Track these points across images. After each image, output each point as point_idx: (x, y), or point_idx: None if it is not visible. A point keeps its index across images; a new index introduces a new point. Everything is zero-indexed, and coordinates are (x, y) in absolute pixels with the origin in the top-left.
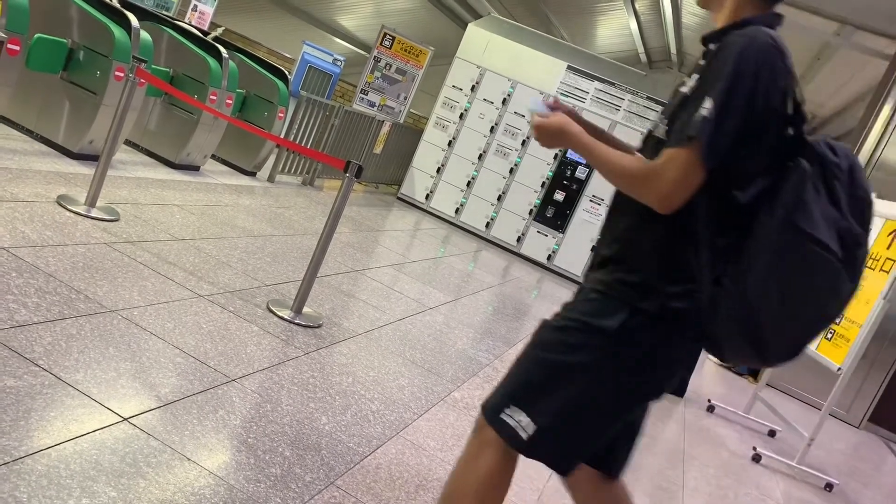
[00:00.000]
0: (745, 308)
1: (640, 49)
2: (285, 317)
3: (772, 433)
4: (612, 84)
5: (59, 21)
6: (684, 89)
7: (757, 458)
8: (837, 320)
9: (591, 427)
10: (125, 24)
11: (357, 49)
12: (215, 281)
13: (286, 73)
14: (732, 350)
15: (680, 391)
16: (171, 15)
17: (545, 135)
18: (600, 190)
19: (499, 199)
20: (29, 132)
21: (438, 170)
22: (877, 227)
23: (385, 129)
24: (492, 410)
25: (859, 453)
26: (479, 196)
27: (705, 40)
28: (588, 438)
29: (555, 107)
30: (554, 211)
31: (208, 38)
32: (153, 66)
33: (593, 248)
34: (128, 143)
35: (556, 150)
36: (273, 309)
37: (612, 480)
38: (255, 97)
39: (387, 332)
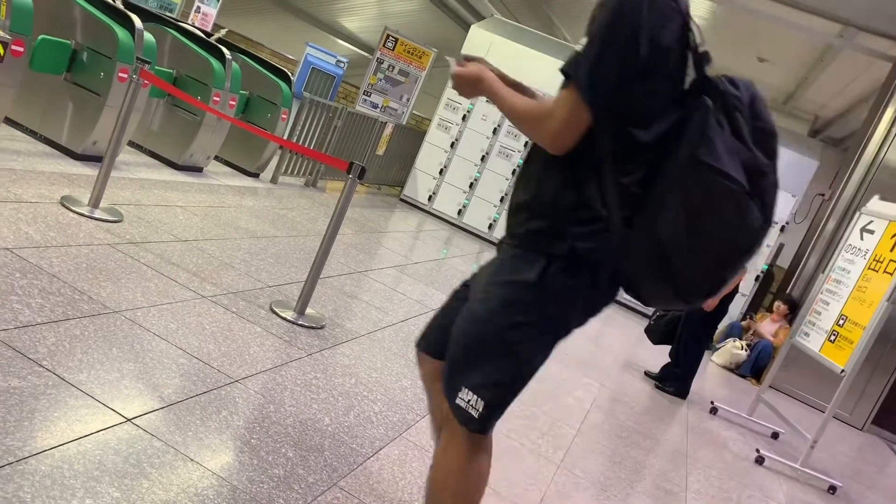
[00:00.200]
0: (656, 245)
1: None
2: (288, 318)
3: (775, 435)
4: None
5: (62, 22)
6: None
7: (760, 461)
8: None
9: (528, 377)
10: (129, 26)
11: (360, 50)
12: (218, 282)
13: (289, 74)
14: (650, 290)
15: (682, 393)
16: (174, 16)
17: (463, 83)
18: None
19: (501, 200)
20: (33, 133)
21: (441, 171)
22: (881, 229)
23: (388, 130)
24: (450, 400)
25: (863, 456)
26: (481, 197)
27: None
28: (523, 386)
29: (472, 59)
30: None
31: (211, 40)
32: (156, 68)
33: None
34: (131, 144)
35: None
36: (276, 310)
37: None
38: (258, 98)
39: (389, 333)
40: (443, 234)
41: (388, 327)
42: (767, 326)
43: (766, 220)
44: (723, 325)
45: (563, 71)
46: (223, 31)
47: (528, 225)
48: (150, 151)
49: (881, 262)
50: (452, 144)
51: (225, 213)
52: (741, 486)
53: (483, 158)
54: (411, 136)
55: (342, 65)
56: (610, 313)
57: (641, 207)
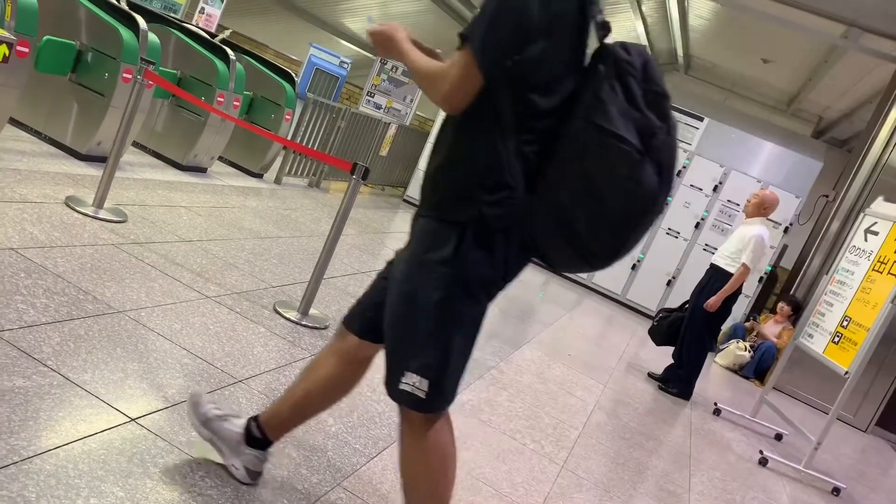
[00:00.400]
0: (559, 210)
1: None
2: (292, 318)
3: (778, 437)
4: None
5: (67, 23)
6: None
7: (763, 462)
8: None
9: (468, 350)
10: (133, 27)
11: (363, 51)
12: (222, 282)
13: (293, 75)
14: (557, 256)
15: (686, 394)
16: (178, 17)
17: (378, 41)
18: None
19: None
20: (37, 134)
21: None
22: (885, 231)
23: (391, 131)
24: (391, 388)
25: (866, 457)
26: None
27: None
28: (466, 362)
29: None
30: None
31: (216, 41)
32: (161, 68)
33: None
34: (135, 144)
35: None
36: (280, 310)
37: (372, 347)
38: (262, 99)
39: None
40: None
41: None
42: (771, 328)
43: (664, 181)
44: (726, 327)
45: (460, 34)
46: (227, 32)
47: (438, 192)
48: (155, 152)
49: (885, 264)
50: None
51: (229, 214)
52: (744, 488)
53: None
54: (415, 137)
55: (346, 65)
56: (612, 314)
57: (543, 173)
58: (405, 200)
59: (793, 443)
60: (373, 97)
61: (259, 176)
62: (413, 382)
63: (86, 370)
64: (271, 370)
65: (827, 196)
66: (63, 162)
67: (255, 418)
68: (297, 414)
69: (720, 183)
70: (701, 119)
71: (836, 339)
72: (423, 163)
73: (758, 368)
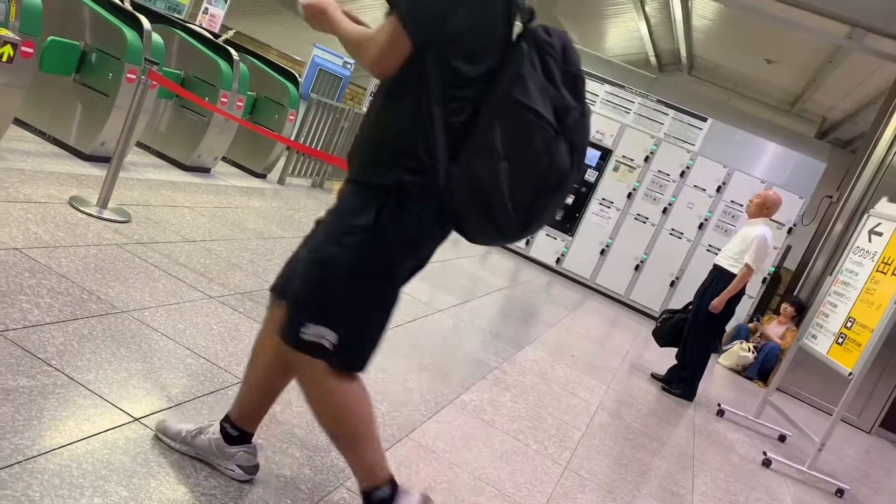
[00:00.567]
0: (476, 181)
1: (650, 52)
2: None
3: (782, 438)
4: (622, 87)
5: (71, 24)
6: None
7: (767, 463)
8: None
9: (382, 316)
10: (137, 27)
11: None
12: (226, 282)
13: (296, 75)
14: (474, 226)
15: (689, 395)
16: (182, 17)
17: (310, 13)
18: (610, 193)
19: None
20: (42, 134)
21: None
22: (889, 231)
23: None
24: (291, 337)
25: (870, 459)
26: None
27: None
28: (382, 327)
29: None
30: (563, 214)
31: (219, 41)
32: (164, 69)
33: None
34: (139, 144)
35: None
36: None
37: None
38: (266, 100)
39: (396, 334)
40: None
41: (395, 328)
42: (774, 328)
43: (575, 161)
44: (729, 328)
45: (388, 1)
46: (231, 33)
47: (363, 157)
48: (158, 152)
49: (889, 265)
50: None
51: (232, 214)
52: (748, 489)
53: None
54: None
55: (349, 66)
56: (616, 315)
57: (463, 145)
58: None
59: (796, 444)
60: None
61: (262, 176)
62: (319, 333)
63: (90, 370)
64: None
65: (831, 197)
66: (67, 162)
67: (226, 419)
68: (263, 397)
69: (723, 183)
70: (704, 119)
71: (840, 341)
72: None
73: (761, 369)
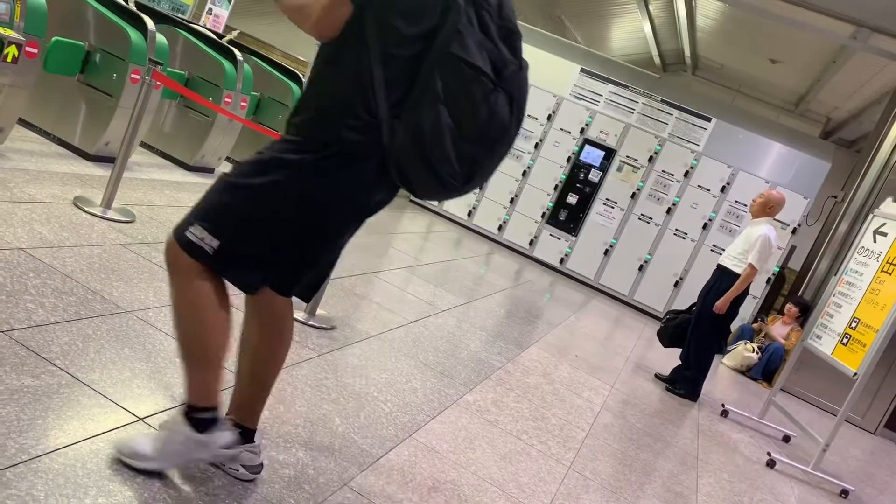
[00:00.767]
0: (419, 133)
1: (654, 52)
2: (299, 318)
3: (786, 439)
4: (626, 87)
5: (76, 24)
6: None
7: (771, 464)
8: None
9: (272, 246)
10: (141, 27)
11: None
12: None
13: (300, 76)
14: (418, 182)
15: (693, 395)
16: (186, 18)
17: None
18: (614, 193)
19: (511, 201)
20: (46, 134)
21: None
22: (894, 231)
23: None
24: (179, 230)
25: (875, 459)
26: (491, 199)
27: None
28: (269, 258)
29: None
30: (567, 214)
31: (223, 41)
32: (168, 69)
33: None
34: (143, 145)
35: (569, 154)
36: None
37: (286, 303)
38: (270, 100)
39: (399, 334)
40: (452, 235)
41: (399, 328)
42: (779, 329)
43: (514, 115)
44: (734, 328)
45: None
46: (235, 33)
47: (302, 114)
48: (162, 152)
49: (894, 265)
50: None
51: None
52: (752, 490)
53: None
54: None
55: None
56: (619, 315)
57: (406, 101)
58: (412, 201)
59: (801, 444)
60: None
61: None
62: (202, 237)
63: (94, 369)
64: None
65: (835, 197)
66: (71, 162)
67: (228, 419)
68: (258, 388)
69: (728, 184)
70: (709, 119)
71: (845, 341)
72: None
73: (765, 370)
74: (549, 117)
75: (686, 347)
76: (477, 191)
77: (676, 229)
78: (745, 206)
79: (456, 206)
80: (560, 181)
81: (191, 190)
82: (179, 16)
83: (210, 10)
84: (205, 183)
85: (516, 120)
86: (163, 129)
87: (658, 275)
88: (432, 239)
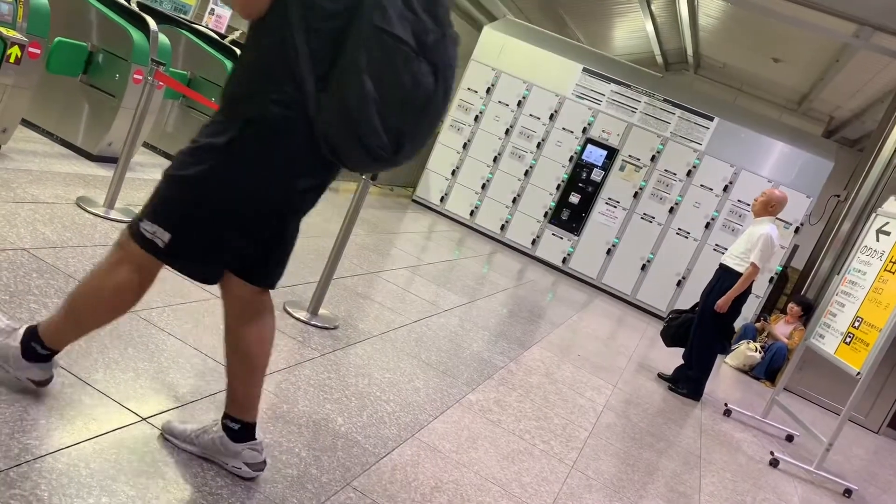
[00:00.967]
0: (345, 106)
1: (657, 51)
2: (301, 318)
3: (789, 438)
4: (629, 86)
5: (78, 25)
6: None
7: (774, 463)
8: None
9: (220, 234)
10: (143, 28)
11: None
12: None
13: None
14: (348, 155)
15: (696, 395)
16: (188, 18)
17: None
18: (616, 192)
19: (514, 201)
20: (49, 134)
21: (453, 172)
22: None
23: None
24: (134, 225)
25: (879, 459)
26: (493, 198)
27: None
28: (220, 246)
29: None
30: (569, 213)
31: (225, 42)
32: (171, 69)
33: None
34: (146, 145)
35: (572, 153)
36: (289, 310)
37: (259, 291)
38: None
39: (402, 333)
40: (455, 235)
41: (401, 328)
42: (782, 328)
43: (440, 82)
44: (736, 327)
45: None
46: (237, 34)
47: (230, 89)
48: (165, 153)
49: None
50: (465, 145)
51: None
52: (755, 489)
53: (495, 159)
54: None
55: None
56: (622, 314)
57: (332, 74)
58: (414, 200)
59: (804, 444)
60: None
61: None
62: (154, 231)
63: (97, 370)
64: (281, 370)
65: (838, 196)
66: (74, 162)
67: (225, 415)
68: (248, 373)
69: (730, 183)
70: (711, 119)
71: (848, 340)
72: (432, 163)
73: (768, 369)
74: (551, 117)
75: (689, 347)
76: (480, 190)
77: (679, 229)
78: (748, 205)
79: (458, 206)
80: (562, 181)
81: None
82: (182, 16)
83: (212, 10)
84: None
85: (443, 89)
86: (165, 129)
87: (661, 274)
88: (434, 238)
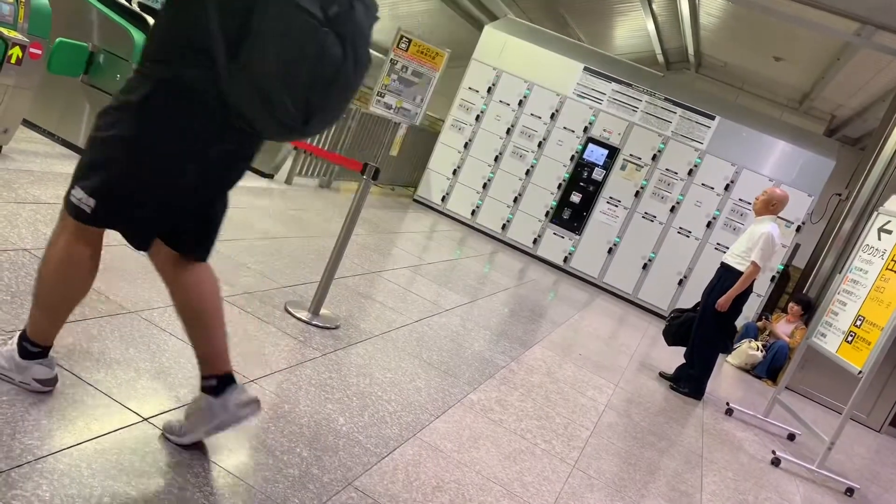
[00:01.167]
0: (254, 80)
1: (658, 50)
2: (303, 318)
3: (791, 437)
4: (630, 85)
5: (79, 25)
6: None
7: (776, 462)
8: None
9: (141, 199)
10: (145, 28)
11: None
12: (233, 283)
13: None
14: (261, 125)
15: (697, 394)
16: None
17: None
18: (617, 191)
19: (515, 200)
20: (50, 135)
21: (454, 172)
22: None
23: (401, 131)
24: (66, 196)
25: (880, 457)
26: (495, 198)
27: None
28: (147, 209)
29: None
30: (570, 213)
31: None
32: None
33: None
34: None
35: (573, 153)
36: (291, 310)
37: (194, 262)
38: None
39: (403, 333)
40: (456, 234)
41: (402, 328)
42: (783, 327)
43: (348, 53)
44: (738, 326)
45: None
46: None
47: (148, 48)
48: None
49: None
50: (466, 145)
51: (240, 214)
52: (757, 488)
53: (496, 159)
54: (425, 137)
55: None
56: (623, 314)
57: (241, 45)
58: (415, 200)
59: (806, 443)
60: (383, 97)
61: (270, 176)
62: (80, 198)
63: (98, 370)
64: (282, 370)
65: (840, 194)
66: (75, 163)
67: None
68: (204, 329)
69: (732, 182)
70: (712, 118)
71: (850, 339)
72: (433, 163)
73: (770, 368)
74: (552, 116)
75: (690, 346)
76: (481, 190)
77: (680, 228)
78: (750, 204)
79: (460, 206)
80: (564, 180)
81: None
82: None
83: None
84: None
85: (353, 60)
86: None
87: (662, 273)
88: (435, 238)
